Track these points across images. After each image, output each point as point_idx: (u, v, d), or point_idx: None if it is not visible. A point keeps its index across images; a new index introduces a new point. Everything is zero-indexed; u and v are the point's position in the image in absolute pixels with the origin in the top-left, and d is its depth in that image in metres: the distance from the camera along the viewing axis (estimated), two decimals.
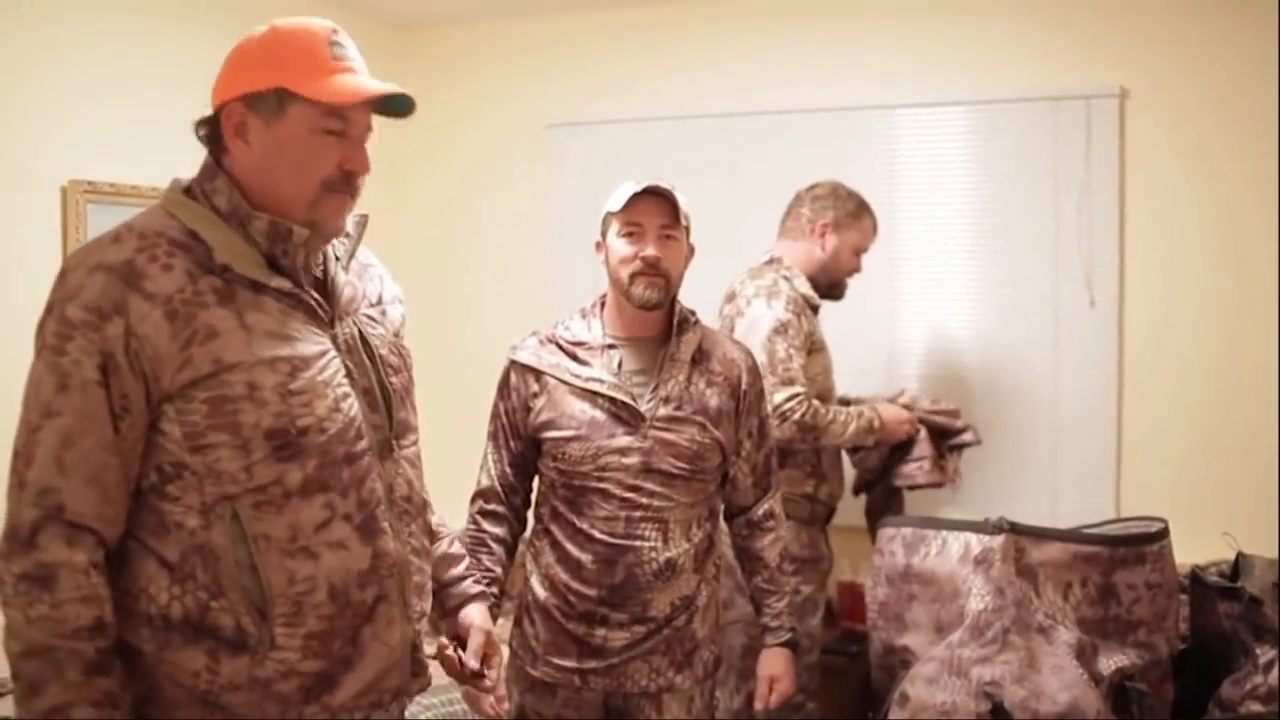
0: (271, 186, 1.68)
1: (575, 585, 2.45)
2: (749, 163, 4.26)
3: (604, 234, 2.54)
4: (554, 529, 2.50)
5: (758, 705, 2.61)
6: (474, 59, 4.60)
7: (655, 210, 2.45)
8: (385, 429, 1.78)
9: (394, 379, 1.82)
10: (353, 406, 1.72)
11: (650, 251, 2.44)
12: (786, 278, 3.29)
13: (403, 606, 1.77)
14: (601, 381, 2.45)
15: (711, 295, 3.45)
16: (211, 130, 1.71)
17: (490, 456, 2.58)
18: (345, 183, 1.71)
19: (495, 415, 2.58)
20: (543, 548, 2.53)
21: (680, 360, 2.49)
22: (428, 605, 1.88)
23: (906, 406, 3.45)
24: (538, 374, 2.51)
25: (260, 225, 1.66)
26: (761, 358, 2.96)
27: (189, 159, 3.72)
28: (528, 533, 2.63)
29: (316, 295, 1.73)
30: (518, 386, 2.53)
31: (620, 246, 2.47)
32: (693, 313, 2.60)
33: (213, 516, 1.61)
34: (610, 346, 2.50)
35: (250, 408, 1.61)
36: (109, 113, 3.55)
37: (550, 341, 2.54)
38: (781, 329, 3.16)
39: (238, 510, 1.61)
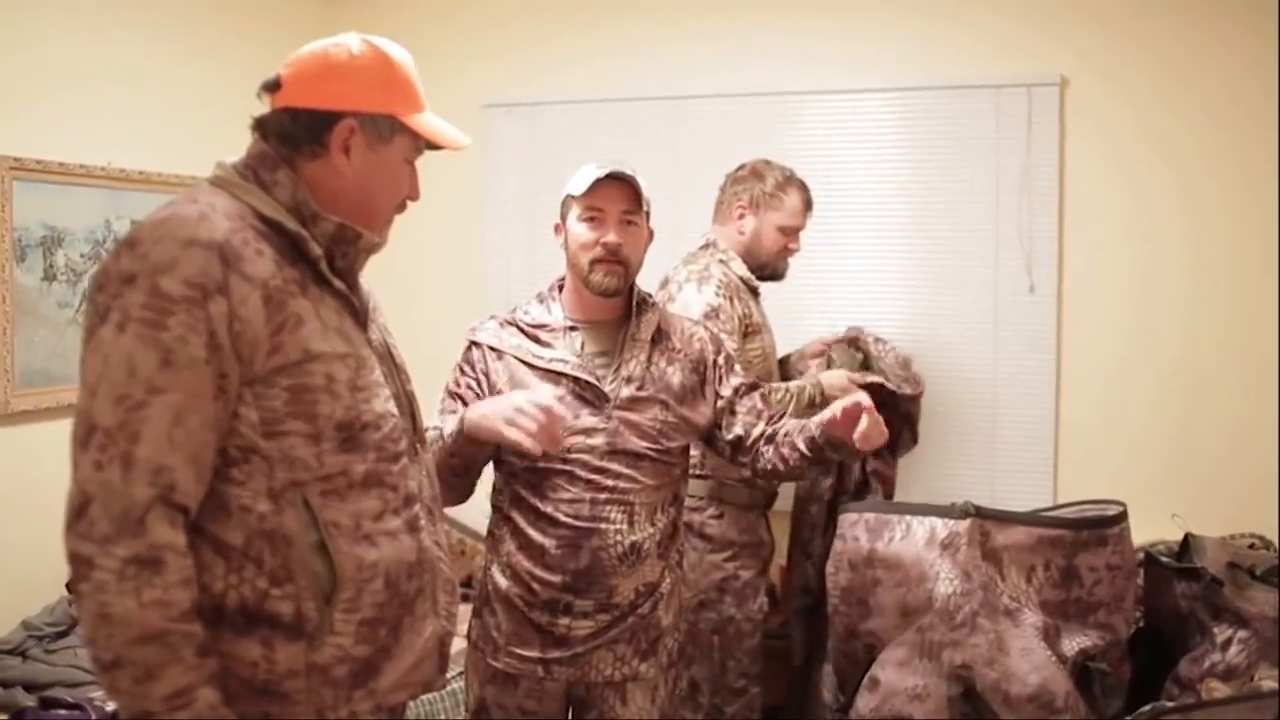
0: (363, 202, 1.77)
1: (538, 572, 2.40)
2: (687, 147, 4.24)
3: (564, 217, 2.50)
4: (515, 515, 2.44)
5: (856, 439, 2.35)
6: (407, 36, 4.39)
7: (617, 195, 2.42)
8: (410, 432, 1.84)
9: (409, 386, 1.90)
10: (394, 408, 1.79)
11: (611, 238, 2.41)
12: (722, 261, 3.25)
13: (434, 602, 1.83)
14: (565, 362, 2.42)
15: (649, 279, 3.41)
16: (287, 127, 1.73)
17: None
18: (403, 206, 1.86)
19: (452, 392, 2.50)
20: (503, 536, 2.47)
21: (641, 340, 2.47)
22: (456, 604, 1.92)
23: (854, 339, 3.51)
24: (499, 354, 2.46)
25: (328, 227, 1.73)
26: None
27: (116, 137, 3.62)
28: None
29: (359, 299, 1.80)
30: (478, 363, 2.48)
31: (581, 231, 2.44)
32: (650, 295, 2.58)
33: (283, 502, 1.63)
34: (572, 329, 2.47)
35: (327, 399, 1.66)
36: (36, 89, 3.43)
37: (510, 324, 2.50)
38: (712, 314, 3.09)
39: (307, 497, 1.64)
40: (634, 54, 4.32)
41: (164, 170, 3.66)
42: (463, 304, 4.12)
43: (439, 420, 2.47)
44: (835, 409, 2.35)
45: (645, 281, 3.09)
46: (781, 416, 2.60)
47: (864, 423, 2.30)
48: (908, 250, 4.05)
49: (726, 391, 2.56)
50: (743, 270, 3.26)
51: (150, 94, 3.76)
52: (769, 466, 2.54)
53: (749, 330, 3.18)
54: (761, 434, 2.56)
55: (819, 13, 4.11)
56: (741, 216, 3.32)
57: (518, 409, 2.19)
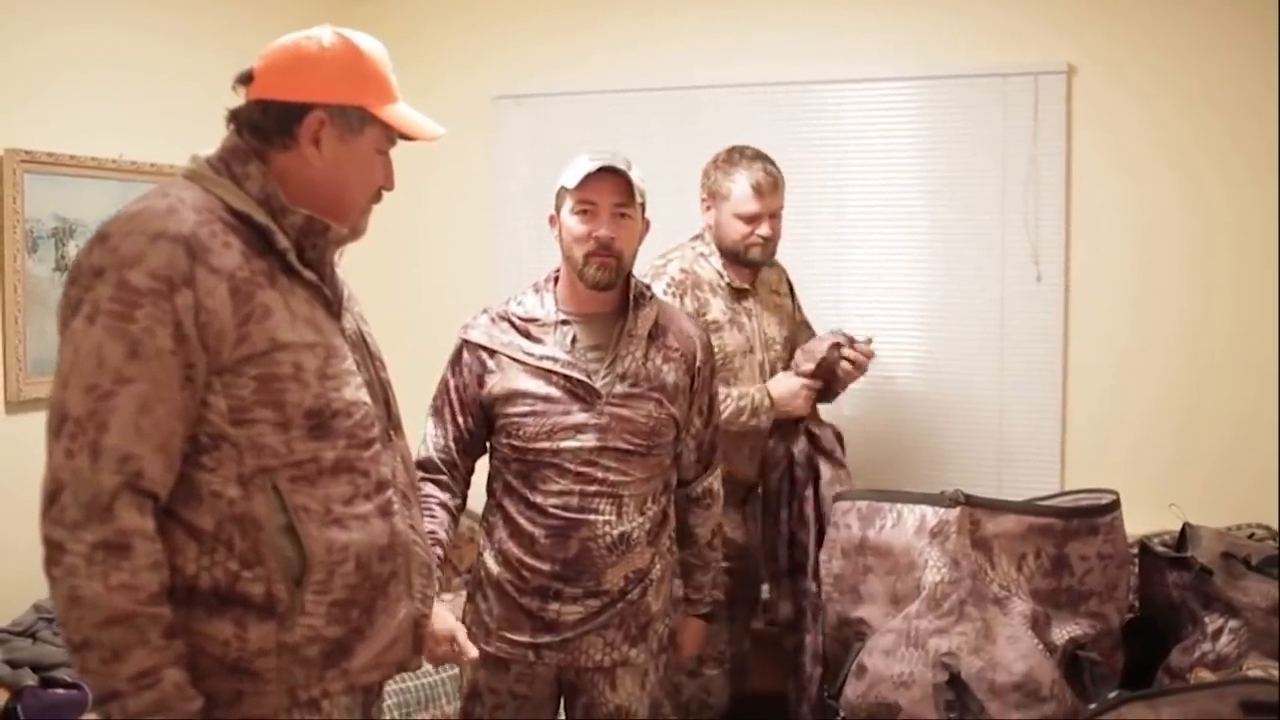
0: (335, 193, 1.80)
1: (528, 560, 2.44)
2: (696, 137, 4.22)
3: (558, 208, 2.51)
4: (507, 504, 2.48)
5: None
6: (419, 29, 4.53)
7: (610, 188, 2.42)
8: (384, 419, 1.88)
9: (384, 374, 1.94)
10: (366, 395, 1.83)
11: (603, 232, 2.42)
12: (703, 254, 3.24)
13: (408, 584, 1.87)
14: (555, 359, 2.44)
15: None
16: (258, 119, 1.75)
17: (433, 430, 2.54)
18: (379, 196, 1.88)
19: (443, 391, 2.54)
20: (495, 523, 2.51)
21: (638, 336, 2.49)
22: (432, 587, 1.96)
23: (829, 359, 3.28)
24: (491, 352, 2.48)
25: (296, 219, 1.75)
26: None
27: (128, 129, 3.66)
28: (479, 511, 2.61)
29: (330, 289, 1.82)
30: (470, 363, 2.50)
31: (574, 224, 2.45)
32: (648, 287, 2.59)
33: (252, 487, 1.67)
34: (564, 322, 2.48)
35: (295, 387, 1.69)
36: (47, 81, 3.46)
37: (502, 319, 2.52)
38: None
39: (276, 483, 1.68)
40: (644, 45, 4.33)
41: (175, 162, 3.64)
42: (473, 294, 4.12)
43: (432, 426, 2.53)
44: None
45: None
46: (710, 468, 2.68)
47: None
48: (914, 240, 4.04)
49: (693, 410, 2.59)
50: (717, 264, 3.23)
51: (161, 87, 3.81)
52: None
53: None
54: (687, 478, 2.66)
55: (826, 3, 4.11)
56: (708, 209, 3.29)
57: (435, 640, 2.28)
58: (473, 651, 2.32)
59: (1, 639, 3.06)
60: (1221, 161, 3.71)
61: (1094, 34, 3.81)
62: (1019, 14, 3.89)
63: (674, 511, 2.67)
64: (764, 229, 3.21)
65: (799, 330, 3.51)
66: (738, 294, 3.25)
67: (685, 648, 2.72)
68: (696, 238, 3.31)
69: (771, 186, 3.22)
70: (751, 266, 3.29)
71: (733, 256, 3.24)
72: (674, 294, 3.11)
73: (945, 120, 3.97)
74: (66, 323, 1.61)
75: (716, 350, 3.05)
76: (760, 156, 3.26)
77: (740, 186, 3.20)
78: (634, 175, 2.43)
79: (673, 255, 3.24)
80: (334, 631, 1.74)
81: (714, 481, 2.68)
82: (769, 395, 3.19)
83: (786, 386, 3.23)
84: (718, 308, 3.19)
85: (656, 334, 2.52)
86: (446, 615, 2.37)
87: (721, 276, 3.22)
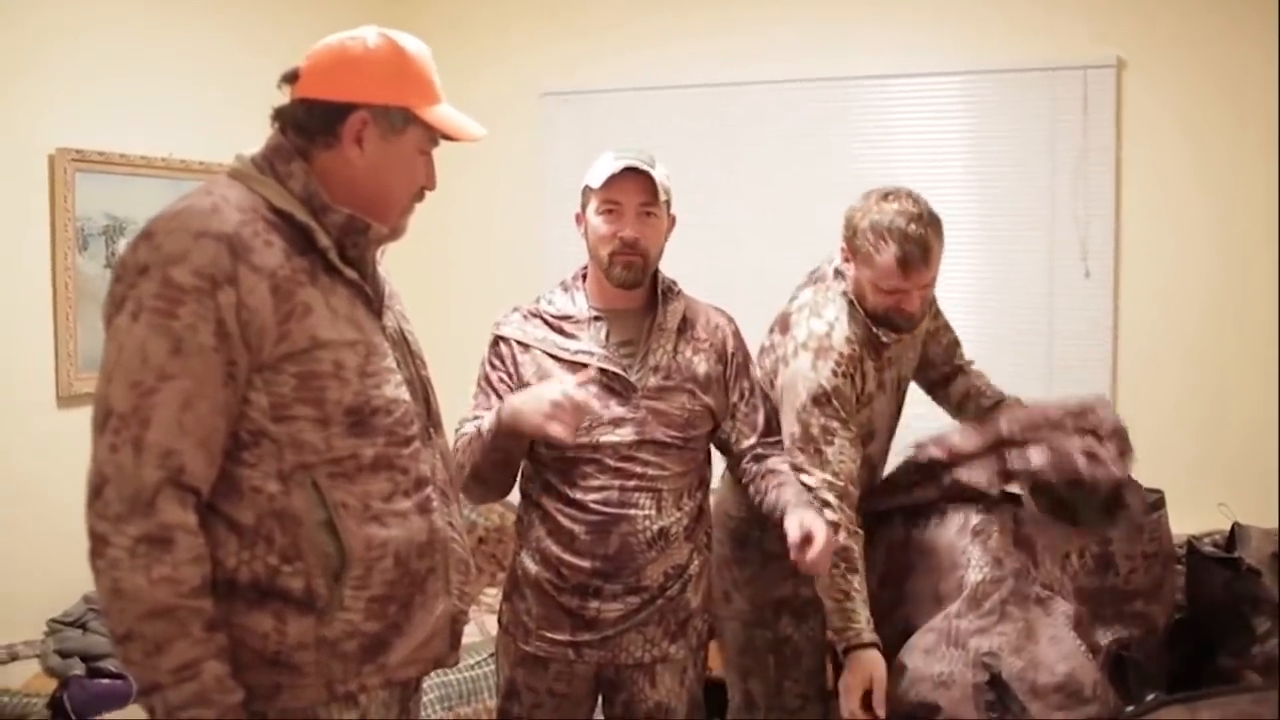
0: (377, 193, 1.81)
1: (568, 557, 2.44)
2: (743, 133, 4.24)
3: (583, 208, 2.52)
4: (545, 502, 2.48)
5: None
6: (467, 25, 4.56)
7: (634, 188, 2.42)
8: (424, 417, 1.89)
9: (425, 372, 1.95)
10: (406, 393, 1.84)
11: (629, 232, 2.42)
12: (852, 302, 2.67)
13: (446, 581, 1.88)
14: (591, 354, 2.44)
15: (702, 266, 3.36)
16: (303, 118, 1.77)
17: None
18: (421, 196, 1.89)
19: (485, 386, 2.54)
20: (532, 522, 2.51)
21: (668, 330, 2.50)
22: (471, 584, 1.97)
23: None
24: (525, 347, 2.49)
25: (337, 218, 1.77)
26: (794, 428, 2.59)
27: (177, 128, 3.71)
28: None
29: (371, 287, 1.84)
30: (506, 356, 2.51)
31: (599, 224, 2.45)
32: (674, 282, 2.59)
33: (292, 483, 1.70)
34: (596, 319, 2.49)
35: (335, 385, 1.71)
36: (98, 81, 3.53)
37: (534, 316, 2.53)
38: (823, 399, 2.57)
39: (316, 479, 1.70)
40: (692, 41, 4.34)
41: (223, 160, 3.68)
42: (518, 292, 4.11)
43: (471, 415, 2.51)
44: (794, 533, 2.34)
45: (697, 266, 3.08)
46: (780, 444, 2.59)
47: (814, 551, 2.33)
48: (962, 236, 3.99)
49: (734, 396, 2.58)
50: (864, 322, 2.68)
51: (210, 86, 3.86)
52: (749, 486, 2.59)
53: (858, 403, 2.69)
54: (750, 449, 2.58)
55: None
56: (846, 260, 2.67)
57: (555, 404, 2.21)
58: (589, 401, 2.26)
59: (52, 629, 3.13)
60: (1274, 156, 3.64)
61: (1143, 28, 3.77)
62: (1068, 8, 3.86)
63: (731, 494, 2.69)
64: (910, 304, 2.62)
65: (931, 339, 2.99)
66: (882, 346, 2.71)
67: (824, 541, 2.35)
68: (838, 276, 2.72)
69: (923, 259, 2.54)
70: (893, 329, 2.68)
71: (874, 320, 2.67)
72: (847, 373, 2.61)
73: (993, 115, 3.95)
74: (111, 319, 1.64)
75: (865, 421, 2.71)
76: (915, 216, 2.55)
77: (885, 258, 2.54)
78: (658, 174, 2.43)
79: (826, 313, 2.67)
80: (372, 626, 1.76)
81: (772, 423, 2.62)
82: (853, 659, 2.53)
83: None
84: (872, 376, 2.69)
85: (685, 327, 2.53)
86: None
87: (873, 331, 2.67)
